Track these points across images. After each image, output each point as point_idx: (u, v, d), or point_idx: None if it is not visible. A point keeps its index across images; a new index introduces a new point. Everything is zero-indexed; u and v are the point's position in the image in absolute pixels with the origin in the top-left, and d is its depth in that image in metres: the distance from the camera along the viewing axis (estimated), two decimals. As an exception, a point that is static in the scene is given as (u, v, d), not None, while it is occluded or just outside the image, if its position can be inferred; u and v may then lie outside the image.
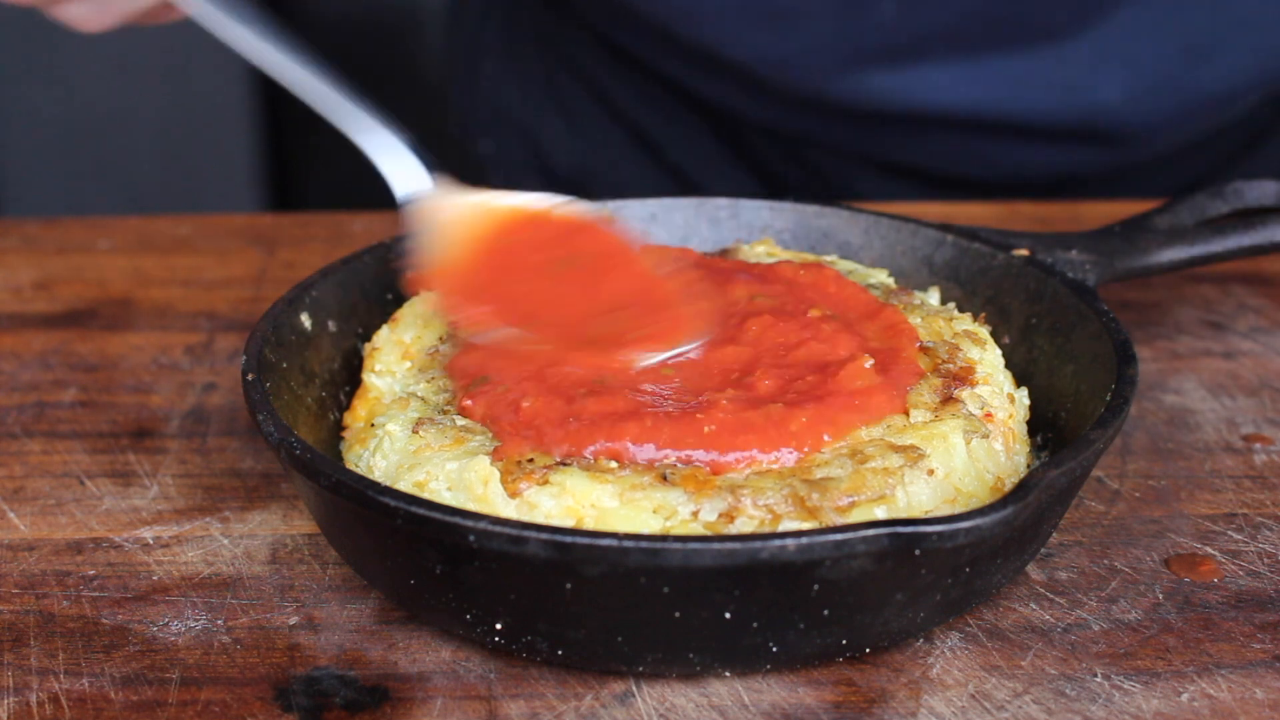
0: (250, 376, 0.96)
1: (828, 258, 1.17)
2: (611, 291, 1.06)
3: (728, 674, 0.89)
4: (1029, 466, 1.01)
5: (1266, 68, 1.52)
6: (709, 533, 0.87)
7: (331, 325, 1.10)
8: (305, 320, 1.07)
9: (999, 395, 1.00)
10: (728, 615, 0.83)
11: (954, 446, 0.93)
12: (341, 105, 1.09)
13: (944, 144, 1.56)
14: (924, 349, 1.02)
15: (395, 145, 1.10)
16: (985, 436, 0.95)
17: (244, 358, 0.99)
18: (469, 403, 0.97)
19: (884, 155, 1.60)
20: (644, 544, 0.80)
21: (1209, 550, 1.01)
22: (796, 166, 1.65)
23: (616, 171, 1.74)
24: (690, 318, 1.02)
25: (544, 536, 0.80)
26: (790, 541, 0.79)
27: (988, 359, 1.03)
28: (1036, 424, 1.05)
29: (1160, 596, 0.96)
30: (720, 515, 0.87)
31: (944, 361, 1.00)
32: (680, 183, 1.72)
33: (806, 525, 0.87)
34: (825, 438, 0.92)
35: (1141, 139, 1.54)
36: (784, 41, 1.48)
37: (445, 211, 1.09)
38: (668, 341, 1.00)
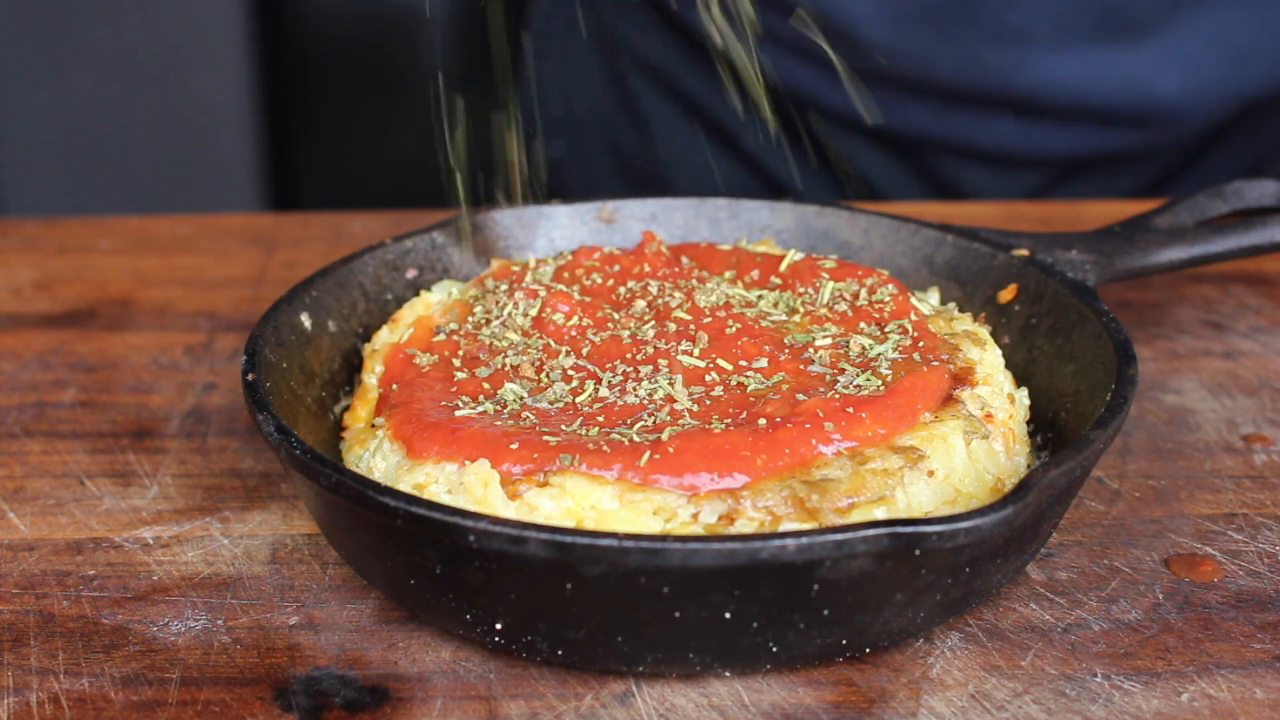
0: (250, 376, 0.97)
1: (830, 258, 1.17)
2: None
3: (728, 674, 0.89)
4: (1029, 466, 1.01)
5: None
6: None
7: (331, 325, 1.10)
8: (305, 320, 1.07)
9: (999, 395, 1.00)
10: (728, 615, 0.83)
11: (954, 447, 0.93)
12: None
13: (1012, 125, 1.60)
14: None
15: None
16: (985, 437, 0.95)
17: (244, 358, 0.99)
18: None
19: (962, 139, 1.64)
20: (644, 544, 0.80)
21: (1209, 550, 1.01)
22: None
23: (692, 166, 1.74)
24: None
25: (544, 536, 0.80)
26: (790, 541, 0.79)
27: (988, 359, 1.03)
28: (1036, 424, 1.05)
29: (1160, 596, 0.96)
30: (720, 518, 0.87)
31: (944, 362, 1.00)
32: (757, 175, 1.74)
33: (806, 526, 0.87)
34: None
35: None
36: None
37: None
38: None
